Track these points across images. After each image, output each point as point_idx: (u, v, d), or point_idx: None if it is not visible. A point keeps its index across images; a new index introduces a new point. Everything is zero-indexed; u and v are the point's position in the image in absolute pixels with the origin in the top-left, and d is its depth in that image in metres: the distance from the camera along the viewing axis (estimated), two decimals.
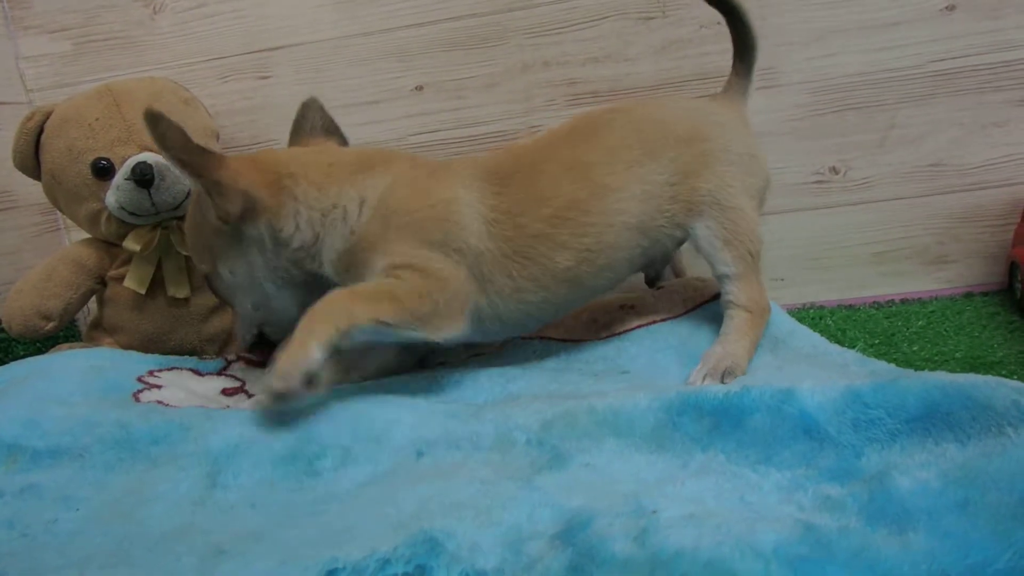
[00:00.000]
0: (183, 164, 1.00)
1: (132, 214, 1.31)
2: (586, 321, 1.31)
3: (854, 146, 1.48)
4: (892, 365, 0.98)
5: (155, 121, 0.96)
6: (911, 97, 1.45)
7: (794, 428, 0.80)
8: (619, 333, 1.24)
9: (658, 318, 1.26)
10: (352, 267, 1.07)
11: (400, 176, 1.09)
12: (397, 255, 1.03)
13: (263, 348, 1.18)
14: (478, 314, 1.08)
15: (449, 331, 1.02)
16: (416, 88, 1.57)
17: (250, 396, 1.16)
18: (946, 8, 1.43)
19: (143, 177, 1.28)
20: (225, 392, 1.17)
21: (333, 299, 0.98)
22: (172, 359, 1.23)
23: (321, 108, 1.25)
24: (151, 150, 1.33)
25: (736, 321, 1.08)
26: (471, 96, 1.55)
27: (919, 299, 1.49)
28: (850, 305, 1.50)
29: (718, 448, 0.81)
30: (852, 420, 0.79)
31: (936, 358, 1.21)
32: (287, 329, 1.09)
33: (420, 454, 0.87)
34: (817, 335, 1.13)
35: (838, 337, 1.33)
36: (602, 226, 1.08)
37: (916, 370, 1.12)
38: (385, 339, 1.00)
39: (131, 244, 1.33)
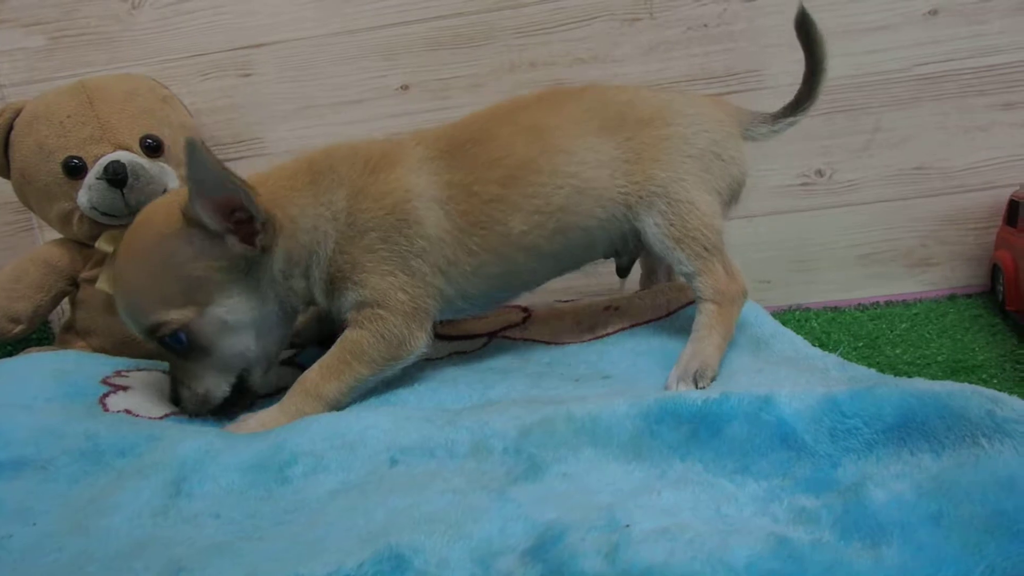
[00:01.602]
0: (238, 186, 0.97)
1: (105, 214, 1.29)
2: (570, 323, 1.31)
3: (839, 149, 1.48)
4: (872, 371, 0.97)
5: (195, 152, 0.94)
6: (896, 101, 1.45)
7: (771, 436, 0.79)
8: (602, 336, 1.24)
9: (641, 320, 1.25)
10: (333, 293, 1.08)
11: (352, 184, 1.08)
12: (368, 288, 1.06)
13: (235, 399, 1.09)
14: (444, 298, 1.09)
15: (417, 348, 1.08)
16: (401, 87, 1.55)
17: None
18: (929, 12, 1.43)
19: (116, 176, 1.25)
20: None
21: (305, 387, 1.04)
22: (143, 362, 1.20)
23: (206, 145, 1.21)
24: (125, 148, 1.30)
25: (703, 316, 1.08)
26: (457, 96, 1.54)
27: (903, 301, 1.48)
28: (835, 307, 1.50)
29: (696, 457, 0.80)
30: (829, 429, 0.78)
31: (919, 361, 1.20)
32: (271, 366, 1.12)
33: (394, 462, 0.86)
34: (799, 338, 1.12)
35: (822, 340, 1.33)
36: (551, 187, 1.09)
37: (899, 374, 1.14)
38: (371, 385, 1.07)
39: (104, 245, 1.30)
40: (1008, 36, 1.42)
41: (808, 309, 1.50)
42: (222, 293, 1.02)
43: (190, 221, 0.99)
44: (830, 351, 1.23)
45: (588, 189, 1.09)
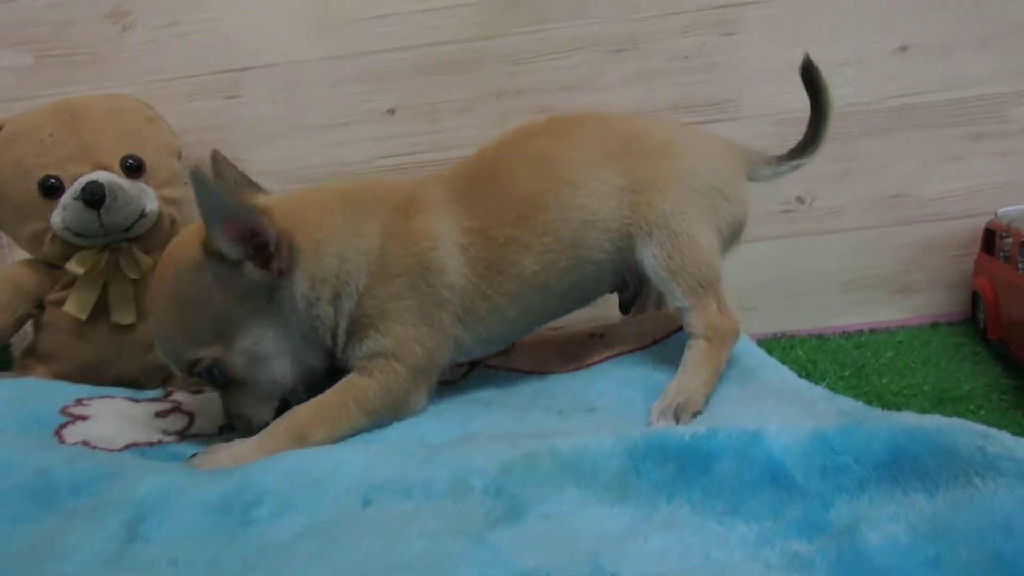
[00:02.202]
0: (247, 216, 0.92)
1: (78, 235, 1.21)
2: (554, 352, 1.25)
3: (819, 177, 1.46)
4: (860, 403, 0.92)
5: (201, 181, 0.88)
6: (872, 130, 1.43)
7: (761, 474, 0.74)
8: (587, 365, 1.18)
9: (626, 348, 1.20)
10: (353, 336, 1.02)
11: (386, 223, 1.03)
12: (389, 337, 1.01)
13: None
14: (458, 346, 1.05)
15: (416, 407, 1.04)
16: (388, 111, 1.51)
17: (187, 414, 1.09)
18: (899, 48, 1.42)
19: (93, 197, 1.18)
20: (159, 414, 1.09)
21: (292, 425, 0.96)
22: (105, 389, 1.13)
23: (227, 160, 1.16)
24: (105, 168, 1.24)
25: (693, 352, 1.02)
26: (444, 120, 1.50)
27: (887, 328, 1.44)
28: (820, 334, 1.46)
29: (683, 497, 0.74)
30: (820, 466, 0.73)
31: (905, 391, 1.16)
32: (314, 386, 1.06)
33: (367, 502, 0.79)
34: (786, 369, 1.07)
35: (808, 369, 1.29)
36: (559, 222, 1.04)
37: (886, 404, 1.10)
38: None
39: (75, 267, 1.22)
40: (973, 71, 1.42)
41: (793, 337, 1.45)
42: (246, 325, 0.97)
43: (209, 252, 0.94)
44: (817, 381, 1.18)
45: (596, 221, 1.05)
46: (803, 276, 1.49)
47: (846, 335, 1.44)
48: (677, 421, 0.94)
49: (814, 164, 1.44)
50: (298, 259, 0.98)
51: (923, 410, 1.08)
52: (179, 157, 1.41)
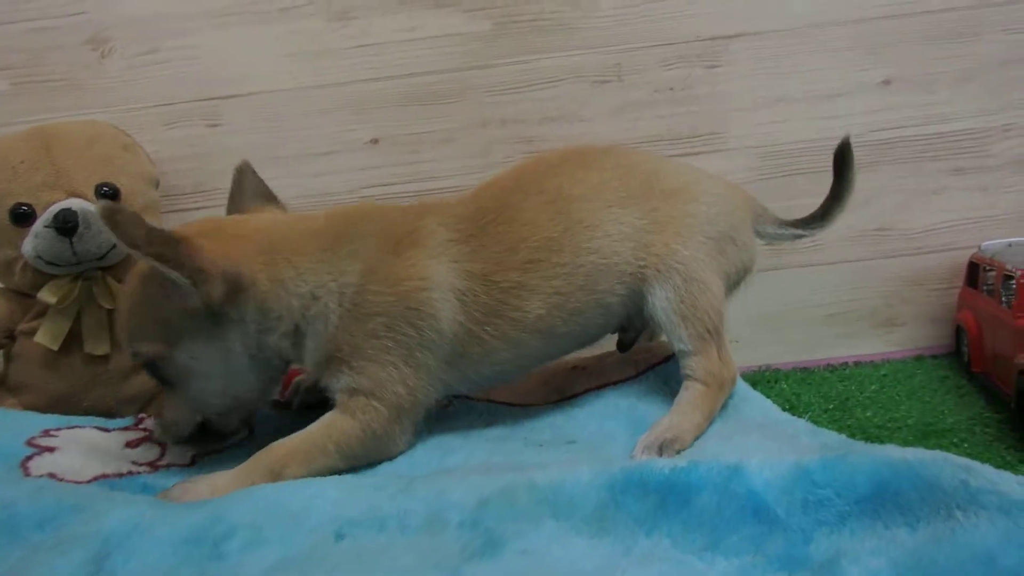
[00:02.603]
0: (159, 258, 0.90)
1: (50, 263, 1.20)
2: (536, 383, 1.25)
3: (802, 209, 1.45)
4: (843, 436, 0.93)
5: (112, 216, 0.88)
6: (855, 164, 1.45)
7: (742, 508, 0.74)
8: (569, 397, 1.18)
9: (609, 380, 1.20)
10: (329, 369, 1.00)
11: (369, 260, 1.01)
12: (365, 376, 0.98)
13: (202, 439, 1.07)
14: (445, 387, 1.04)
15: (398, 450, 1.01)
16: (371, 141, 1.52)
17: (158, 444, 1.08)
18: (882, 82, 1.45)
19: (66, 225, 1.17)
20: (129, 444, 1.08)
21: (268, 461, 0.95)
22: (74, 419, 1.12)
23: (254, 172, 1.18)
24: (79, 195, 1.23)
25: (690, 393, 1.03)
26: (427, 151, 1.51)
27: (872, 362, 1.45)
28: (805, 367, 1.46)
29: (663, 531, 0.74)
30: (801, 500, 0.73)
31: (889, 424, 1.17)
32: (243, 415, 1.08)
33: (340, 536, 0.78)
34: (769, 402, 1.08)
35: (793, 402, 1.29)
36: (572, 266, 1.03)
37: (870, 438, 1.11)
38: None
39: (47, 296, 1.20)
40: (954, 106, 1.45)
41: (778, 370, 1.46)
42: (186, 338, 0.97)
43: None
44: (801, 414, 1.20)
45: (610, 265, 1.05)
46: (787, 309, 1.50)
47: (831, 368, 1.45)
48: (660, 456, 0.94)
49: (799, 198, 1.46)
50: (245, 295, 0.96)
51: (907, 443, 1.10)
52: (157, 186, 1.41)
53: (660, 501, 0.77)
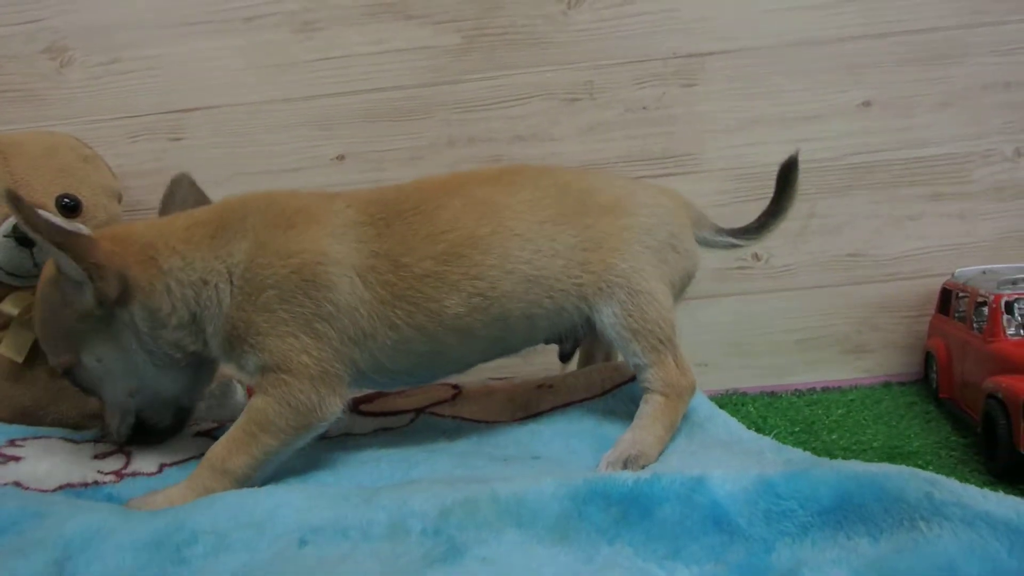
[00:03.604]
0: (61, 247, 0.95)
1: (11, 275, 1.21)
2: (502, 401, 1.27)
3: (775, 234, 1.49)
4: (808, 453, 0.96)
5: (17, 203, 0.93)
6: (830, 188, 1.49)
7: (704, 519, 0.76)
8: (535, 415, 1.20)
9: (575, 399, 1.22)
10: (233, 352, 1.03)
11: (258, 237, 1.03)
12: (266, 351, 1.00)
13: (143, 438, 1.11)
14: (357, 369, 1.03)
15: (329, 414, 1.01)
16: (337, 158, 1.54)
17: (124, 454, 1.10)
18: (862, 104, 1.48)
19: (26, 236, 1.15)
20: (97, 456, 1.10)
21: (211, 462, 0.98)
22: (41, 429, 1.14)
23: (192, 183, 1.21)
24: (39, 207, 1.22)
25: (649, 406, 1.05)
26: (393, 169, 1.53)
27: (839, 387, 1.49)
28: (772, 392, 1.49)
29: (625, 540, 0.76)
30: (764, 511, 0.75)
31: (855, 447, 1.19)
32: (172, 410, 1.12)
33: (303, 543, 0.80)
34: (734, 421, 1.11)
35: (759, 424, 1.31)
36: (499, 271, 1.04)
37: (834, 459, 1.13)
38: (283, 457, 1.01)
39: (8, 307, 1.22)
40: (934, 130, 1.48)
41: (745, 393, 1.49)
42: (88, 343, 1.03)
43: (59, 269, 1.00)
44: (766, 435, 1.23)
45: (540, 278, 1.06)
46: (757, 333, 1.53)
47: (798, 393, 1.48)
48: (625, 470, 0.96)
49: None
50: (134, 290, 1.00)
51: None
52: (119, 200, 1.43)
53: (623, 512, 0.79)
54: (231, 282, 1.01)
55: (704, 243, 1.21)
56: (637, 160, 1.50)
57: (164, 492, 0.97)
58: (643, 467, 0.97)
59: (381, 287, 1.02)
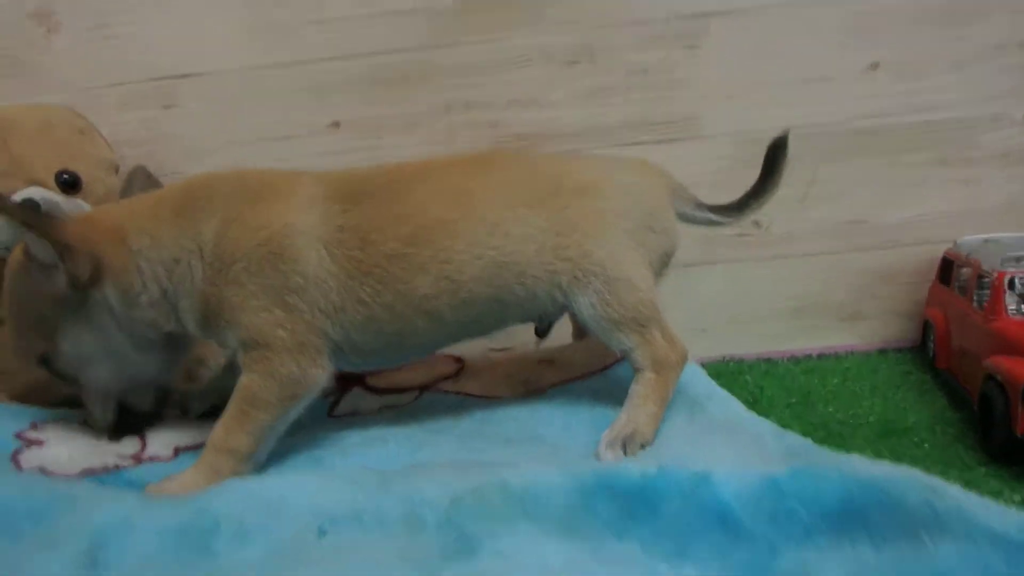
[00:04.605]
0: (31, 227, 0.96)
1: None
2: (503, 376, 1.29)
3: (776, 200, 1.46)
4: (808, 441, 0.96)
5: None
6: (832, 154, 1.48)
7: (710, 516, 0.77)
8: (536, 390, 1.22)
9: (574, 375, 1.24)
10: (210, 328, 1.04)
11: (227, 212, 1.03)
12: (241, 327, 1.01)
13: (129, 425, 1.12)
14: (331, 343, 1.04)
15: (314, 384, 1.03)
16: (332, 124, 1.50)
17: (140, 437, 1.12)
18: (870, 67, 1.44)
19: None
20: (112, 440, 1.11)
21: (214, 443, 1.00)
22: (60, 412, 1.15)
23: (149, 175, 1.21)
24: (39, 184, 1.24)
25: (639, 385, 1.06)
26: (390, 135, 1.50)
27: (835, 354, 1.50)
28: (769, 359, 1.50)
29: (633, 536, 0.78)
30: (768, 511, 0.76)
31: (851, 421, 1.21)
32: (152, 392, 1.14)
33: (322, 532, 0.82)
34: (734, 400, 1.12)
35: (756, 395, 1.33)
36: (468, 255, 1.04)
37: (831, 435, 1.16)
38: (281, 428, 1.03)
39: None
40: (945, 94, 1.45)
41: (742, 360, 1.50)
42: (63, 328, 1.03)
43: (28, 255, 1.00)
44: (765, 408, 1.25)
45: (510, 263, 1.05)
46: (755, 300, 1.53)
47: (794, 359, 1.50)
48: (625, 453, 0.99)
49: None
50: (106, 271, 1.01)
51: (868, 442, 1.15)
52: (116, 171, 1.41)
53: (629, 506, 0.80)
54: (202, 258, 1.02)
55: (684, 218, 1.19)
56: (638, 125, 1.48)
57: (178, 478, 0.99)
58: (641, 446, 0.99)
59: (348, 262, 1.02)
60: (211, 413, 1.17)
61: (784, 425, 1.16)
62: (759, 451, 0.93)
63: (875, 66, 1.44)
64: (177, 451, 1.10)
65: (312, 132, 1.50)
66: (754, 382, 1.38)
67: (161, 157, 1.52)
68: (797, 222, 1.49)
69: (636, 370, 1.07)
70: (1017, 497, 0.96)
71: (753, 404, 1.26)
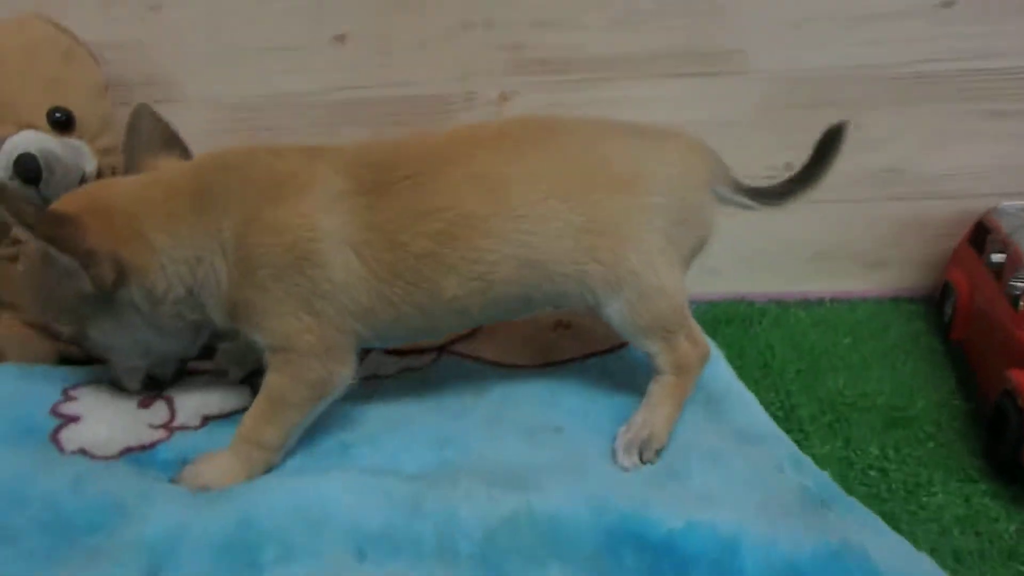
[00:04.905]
0: (51, 241, 0.95)
1: None
2: (521, 341, 1.31)
3: (809, 142, 1.38)
4: (826, 476, 1.00)
5: (5, 197, 0.92)
6: (883, 99, 1.43)
7: None
8: (553, 363, 1.25)
9: (592, 349, 1.26)
10: (239, 326, 1.05)
11: (246, 210, 1.00)
12: (268, 332, 1.02)
13: (155, 384, 1.17)
14: (360, 339, 1.06)
15: (341, 384, 1.05)
16: (337, 38, 1.38)
17: (167, 402, 1.15)
18: (942, 3, 1.34)
19: (29, 174, 1.14)
20: (143, 404, 1.15)
21: (245, 435, 1.02)
22: (90, 371, 1.18)
23: (153, 114, 1.14)
24: (31, 127, 1.18)
25: (658, 386, 1.10)
26: (400, 54, 1.43)
27: (848, 299, 1.54)
28: (780, 301, 1.55)
29: None
30: None
31: (860, 403, 1.25)
32: (176, 363, 1.17)
33: (362, 554, 0.88)
34: (755, 406, 1.15)
35: (766, 358, 1.37)
36: (498, 255, 1.02)
37: (839, 418, 1.20)
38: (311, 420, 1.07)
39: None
40: (1013, 39, 1.36)
41: (753, 303, 1.54)
42: (91, 318, 1.04)
43: (48, 259, 1.00)
44: (775, 377, 1.30)
45: (541, 262, 1.04)
46: (773, 243, 1.55)
47: (805, 304, 1.53)
48: (641, 459, 1.04)
49: (811, 130, 1.37)
50: (129, 271, 1.00)
51: (874, 432, 1.19)
52: (106, 91, 1.33)
53: (656, 562, 0.87)
54: (225, 259, 1.01)
55: (721, 198, 1.16)
56: (676, 56, 1.41)
57: (213, 461, 1.02)
58: (657, 452, 1.05)
59: (378, 264, 1.02)
60: (247, 379, 1.22)
61: (793, 402, 1.26)
62: (778, 488, 0.97)
63: (949, 3, 1.34)
64: (206, 419, 1.15)
65: (316, 44, 1.41)
66: (764, 339, 1.42)
67: (152, 64, 1.43)
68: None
69: (655, 368, 1.10)
70: (1012, 527, 1.01)
71: (764, 369, 1.33)
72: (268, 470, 1.03)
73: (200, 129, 1.41)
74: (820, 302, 1.52)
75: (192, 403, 1.16)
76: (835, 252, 1.52)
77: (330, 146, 1.07)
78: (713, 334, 1.39)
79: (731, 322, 1.46)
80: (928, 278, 1.53)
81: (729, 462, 1.03)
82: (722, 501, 0.95)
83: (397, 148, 1.07)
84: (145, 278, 1.00)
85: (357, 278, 1.01)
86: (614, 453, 1.05)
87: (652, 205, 1.04)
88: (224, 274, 1.01)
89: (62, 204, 1.02)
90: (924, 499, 1.05)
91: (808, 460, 1.04)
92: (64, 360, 1.27)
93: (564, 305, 1.11)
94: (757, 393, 1.22)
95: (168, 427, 1.12)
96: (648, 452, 1.04)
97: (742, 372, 1.27)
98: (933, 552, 0.95)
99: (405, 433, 1.10)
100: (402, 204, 1.01)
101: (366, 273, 1.01)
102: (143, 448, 1.08)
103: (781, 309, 1.49)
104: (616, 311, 1.06)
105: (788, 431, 1.14)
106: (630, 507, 0.92)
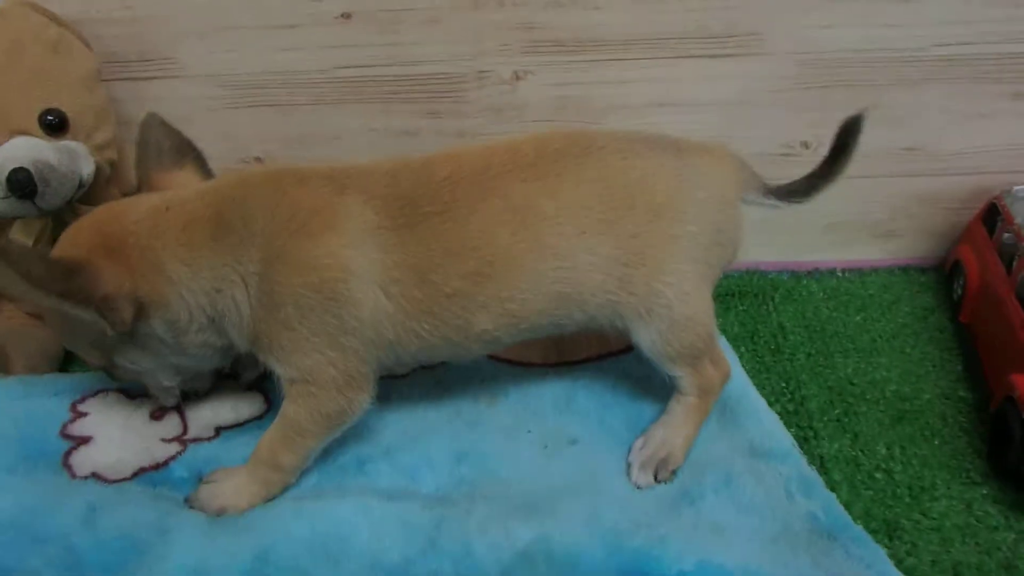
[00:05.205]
0: (65, 297, 0.91)
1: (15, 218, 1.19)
2: (535, 339, 1.28)
3: (831, 122, 1.35)
4: (832, 498, 1.02)
5: (7, 255, 0.86)
6: (903, 80, 1.39)
7: None
8: (569, 362, 1.25)
9: (608, 349, 1.26)
10: (259, 354, 1.03)
11: (271, 245, 0.97)
12: (291, 367, 1.01)
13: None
14: (383, 367, 1.06)
15: (358, 413, 1.05)
16: (342, 16, 1.31)
17: (178, 414, 1.15)
18: None
19: (23, 190, 1.11)
20: (154, 416, 1.16)
21: (262, 458, 1.03)
22: (97, 380, 1.17)
23: (163, 124, 1.08)
24: (23, 133, 1.13)
25: (680, 406, 1.11)
26: (408, 31, 1.35)
27: (860, 269, 1.54)
28: (793, 271, 1.55)
29: None
30: None
31: (868, 394, 1.26)
32: (211, 377, 1.17)
33: None
34: (763, 405, 1.16)
35: (777, 338, 1.38)
36: (531, 292, 1.02)
37: (848, 409, 1.22)
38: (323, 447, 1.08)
39: (20, 235, 1.19)
40: None
41: (765, 274, 1.54)
42: (117, 351, 1.04)
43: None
44: (785, 360, 1.31)
45: (573, 295, 1.03)
46: (788, 217, 1.44)
47: (816, 275, 1.53)
48: (656, 479, 1.07)
49: (829, 109, 1.36)
50: (149, 307, 0.98)
51: (881, 426, 1.22)
52: (98, 76, 1.28)
53: None
54: (247, 293, 0.99)
55: (748, 202, 1.14)
56: (693, 38, 1.35)
57: (231, 480, 1.04)
58: (672, 472, 1.08)
59: (407, 302, 1.00)
60: (259, 381, 1.23)
61: (803, 391, 1.27)
62: (786, 516, 0.99)
63: None
64: (219, 431, 1.15)
65: (319, 22, 1.34)
66: (776, 316, 1.43)
67: (147, 41, 1.35)
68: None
69: (677, 390, 1.11)
70: (1011, 537, 1.04)
71: (775, 352, 1.34)
72: (285, 490, 1.04)
73: (202, 106, 1.38)
74: (832, 272, 1.52)
75: (204, 414, 1.17)
76: (848, 223, 1.50)
77: (358, 168, 1.02)
78: (727, 310, 1.44)
79: (745, 296, 1.46)
80: (940, 248, 1.52)
81: (742, 485, 1.03)
82: (734, 534, 0.97)
83: (430, 172, 1.00)
84: (166, 311, 0.98)
85: (385, 315, 0.99)
86: (629, 467, 1.08)
87: (687, 234, 1.02)
88: (246, 306, 0.98)
89: (70, 242, 0.98)
90: (928, 504, 1.08)
91: (817, 480, 1.05)
92: (67, 353, 1.27)
93: (594, 328, 1.10)
94: (768, 381, 1.26)
95: (181, 440, 1.13)
96: (664, 472, 1.06)
97: (754, 356, 1.31)
98: (933, 564, 1.00)
99: (421, 447, 1.11)
100: (434, 241, 0.98)
101: (394, 310, 0.99)
102: (156, 467, 1.08)
103: (794, 281, 1.49)
104: (646, 339, 1.05)
105: (798, 427, 1.18)
106: (644, 544, 0.94)
